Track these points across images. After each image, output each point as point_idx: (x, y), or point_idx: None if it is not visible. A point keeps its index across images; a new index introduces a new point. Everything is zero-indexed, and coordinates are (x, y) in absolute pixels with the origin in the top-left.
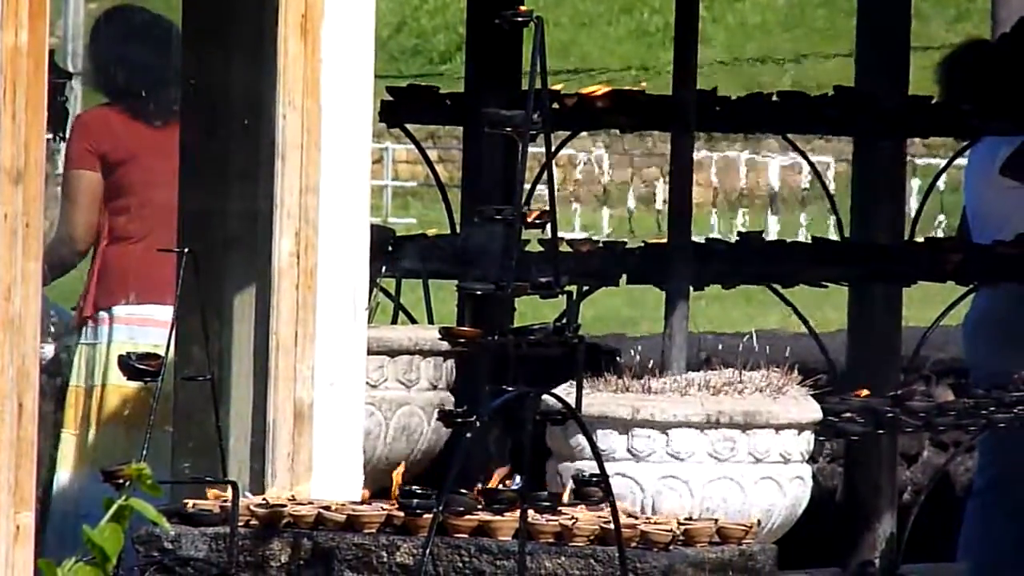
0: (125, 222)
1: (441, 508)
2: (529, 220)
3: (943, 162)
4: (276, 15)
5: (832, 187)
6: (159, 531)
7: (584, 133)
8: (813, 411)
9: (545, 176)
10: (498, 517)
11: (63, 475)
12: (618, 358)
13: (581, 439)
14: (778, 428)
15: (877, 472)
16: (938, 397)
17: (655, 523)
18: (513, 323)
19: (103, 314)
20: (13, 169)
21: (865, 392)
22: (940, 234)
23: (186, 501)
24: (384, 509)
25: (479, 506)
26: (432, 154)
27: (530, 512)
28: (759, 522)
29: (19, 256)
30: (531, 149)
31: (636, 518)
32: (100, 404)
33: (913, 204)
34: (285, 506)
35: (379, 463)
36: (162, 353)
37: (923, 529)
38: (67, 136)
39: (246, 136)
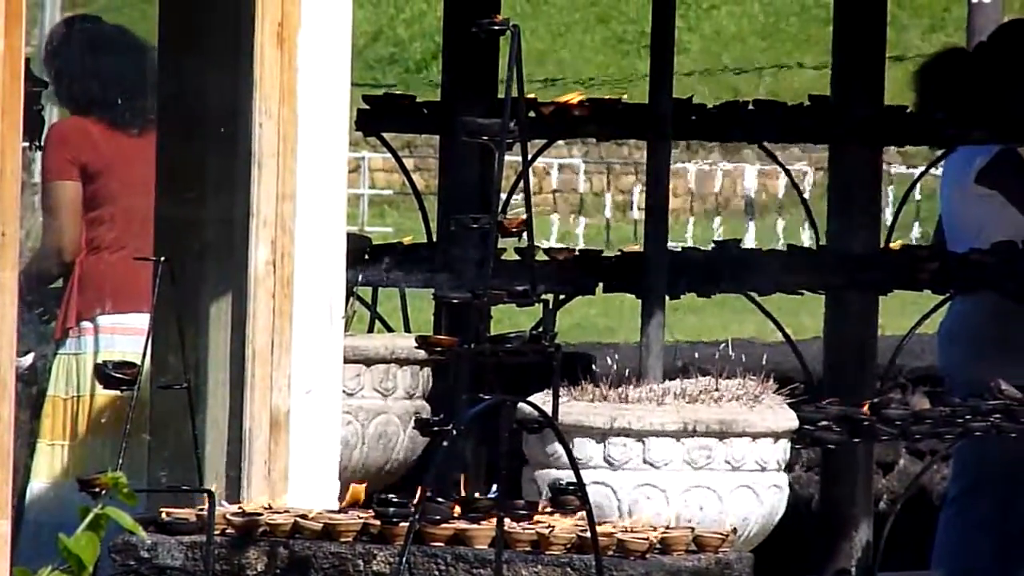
0: (104, 232)
1: (417, 517)
2: (507, 228)
3: (918, 171)
4: (252, 23)
5: (808, 195)
6: (135, 539)
7: (560, 141)
8: (789, 419)
9: (521, 184)
10: (475, 525)
11: (37, 485)
12: (594, 367)
13: (558, 447)
14: (754, 436)
15: (853, 480)
16: (914, 405)
17: (632, 531)
18: (489, 331)
19: (86, 324)
20: None
21: (840, 399)
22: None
23: (162, 510)
24: (360, 518)
25: (455, 515)
26: (408, 163)
27: (507, 520)
28: (735, 530)
29: None
30: (507, 158)
31: (613, 526)
32: (87, 414)
33: (889, 213)
34: (261, 515)
35: (356, 471)
36: (138, 362)
37: (899, 537)
38: (43, 146)
39: (222, 144)
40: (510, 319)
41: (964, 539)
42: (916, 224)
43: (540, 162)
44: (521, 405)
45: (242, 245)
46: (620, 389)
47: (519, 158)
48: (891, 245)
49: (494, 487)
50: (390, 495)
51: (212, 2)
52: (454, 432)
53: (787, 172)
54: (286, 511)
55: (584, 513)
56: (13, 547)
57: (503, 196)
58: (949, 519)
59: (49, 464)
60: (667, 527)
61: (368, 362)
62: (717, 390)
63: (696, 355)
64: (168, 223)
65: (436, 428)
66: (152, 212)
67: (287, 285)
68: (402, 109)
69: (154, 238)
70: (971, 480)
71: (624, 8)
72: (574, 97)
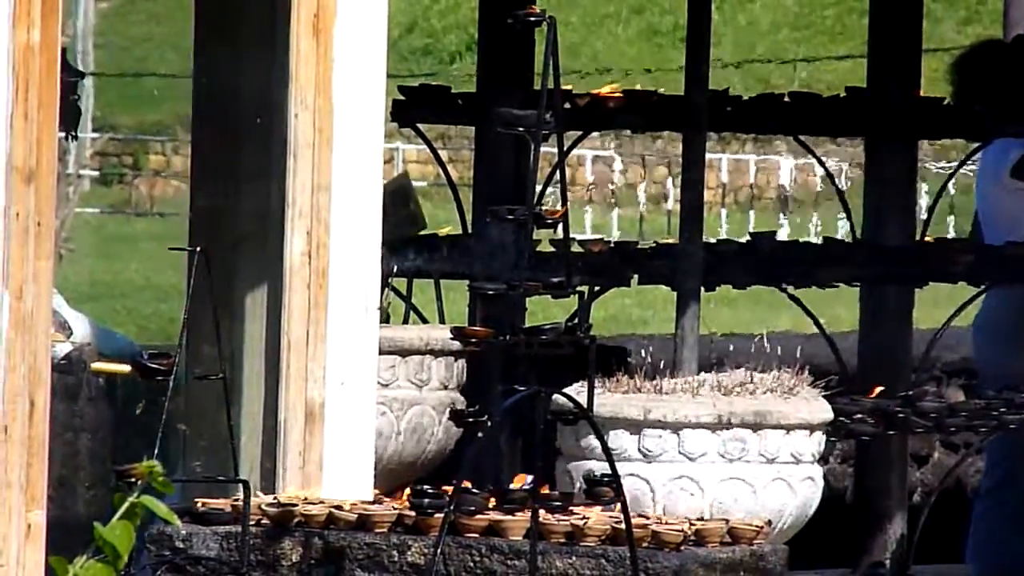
0: None
1: (452, 508)
2: (543, 220)
3: (954, 164)
4: (288, 14)
5: (844, 189)
6: (171, 529)
7: (595, 133)
8: (824, 412)
9: (556, 176)
10: (509, 517)
11: None
12: (629, 358)
13: (592, 439)
14: (789, 429)
15: (888, 473)
16: (949, 398)
17: (666, 523)
18: (524, 323)
19: None
20: (25, 168)
21: (878, 390)
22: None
23: (198, 500)
24: (395, 509)
25: (490, 506)
26: (443, 154)
27: (541, 512)
28: (770, 522)
29: (31, 255)
30: (542, 149)
31: (647, 518)
32: None
33: (924, 206)
34: (296, 505)
35: (390, 463)
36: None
37: (933, 530)
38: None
39: (258, 135)
40: (545, 311)
41: (998, 532)
42: (951, 218)
43: (574, 154)
44: (556, 396)
45: (277, 236)
46: (655, 381)
47: (554, 149)
48: (926, 238)
49: (529, 478)
50: (425, 486)
51: None
52: (489, 423)
53: (823, 165)
54: (321, 502)
55: (619, 505)
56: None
57: (538, 188)
58: (983, 512)
59: None
60: (701, 519)
61: (403, 353)
62: (752, 382)
63: (731, 348)
64: (204, 214)
65: (471, 419)
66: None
67: (322, 276)
68: (437, 100)
69: (190, 227)
70: (1005, 473)
71: (659, 0)
72: (612, 89)
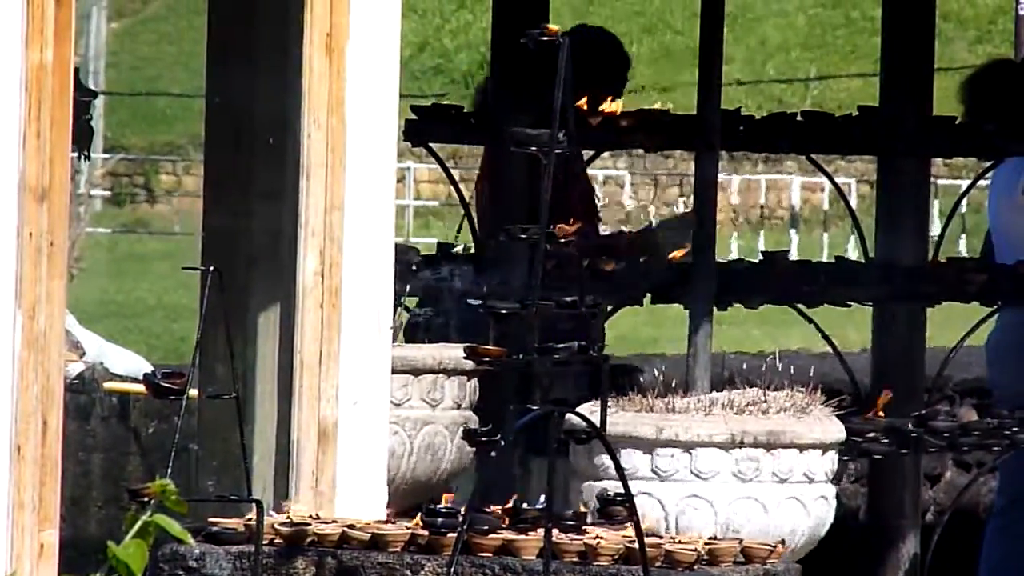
0: None
1: (466, 527)
2: (557, 238)
3: (966, 183)
4: (301, 34)
5: (855, 207)
6: (184, 549)
7: (606, 153)
8: (837, 431)
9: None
10: (522, 536)
11: None
12: (642, 377)
13: (605, 458)
14: (802, 448)
15: (901, 492)
16: (961, 417)
17: (679, 542)
18: (537, 342)
19: None
20: (38, 187)
21: (882, 398)
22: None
23: (210, 519)
24: (408, 528)
25: (503, 525)
26: (454, 174)
27: (554, 531)
28: (783, 542)
29: (44, 275)
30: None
31: (660, 537)
32: None
33: (936, 225)
34: (309, 524)
35: (403, 482)
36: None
37: (947, 549)
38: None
39: (271, 154)
40: None
41: (1011, 551)
42: (963, 237)
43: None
44: (569, 416)
45: (290, 255)
46: (667, 400)
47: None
48: (939, 257)
49: (542, 497)
50: (438, 505)
51: (260, 13)
52: (502, 443)
53: (834, 183)
54: (334, 521)
55: (632, 524)
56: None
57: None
58: (995, 531)
59: None
60: (714, 538)
61: (416, 372)
62: (765, 401)
63: (743, 366)
64: (216, 233)
65: (484, 439)
66: None
67: (335, 295)
68: (450, 119)
69: (202, 247)
70: (1018, 492)
71: (670, 19)
72: (616, 107)
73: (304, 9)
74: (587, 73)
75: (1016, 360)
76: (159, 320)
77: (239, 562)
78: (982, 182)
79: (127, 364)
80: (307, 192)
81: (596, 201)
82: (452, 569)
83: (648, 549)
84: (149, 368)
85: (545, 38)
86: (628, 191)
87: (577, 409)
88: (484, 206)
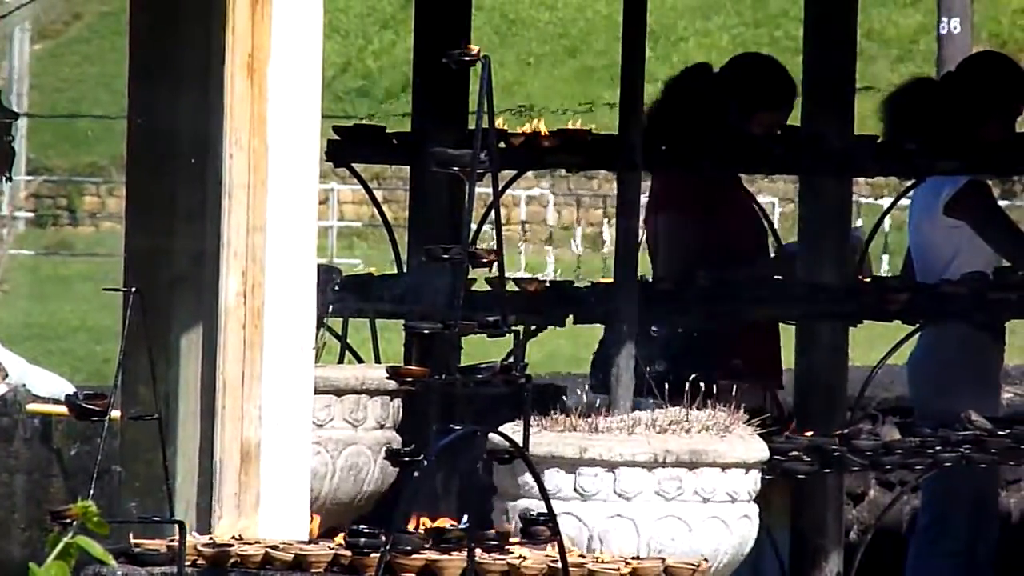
0: None
1: (389, 547)
2: (477, 259)
3: (887, 202)
4: (223, 54)
5: (777, 227)
6: (106, 570)
7: (529, 172)
8: (760, 450)
9: (492, 216)
10: (446, 556)
11: None
12: (565, 397)
13: (528, 478)
14: (725, 467)
15: (823, 511)
16: (884, 436)
17: (602, 562)
18: (460, 362)
19: None
20: None
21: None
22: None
23: (133, 540)
24: (331, 548)
25: (427, 545)
26: (377, 195)
27: (478, 551)
28: (706, 560)
29: None
30: (477, 189)
31: (584, 557)
32: None
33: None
34: (232, 545)
35: (326, 502)
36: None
37: (869, 568)
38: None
39: (193, 175)
40: (481, 350)
41: (933, 570)
42: (885, 256)
43: (508, 193)
44: (491, 435)
45: (213, 276)
46: (590, 419)
47: (488, 189)
48: (861, 277)
49: (465, 518)
50: (361, 526)
51: (182, 33)
52: (425, 463)
53: (756, 203)
54: (257, 542)
55: (555, 544)
56: None
57: (473, 227)
58: (919, 549)
59: None
60: (638, 558)
61: (339, 393)
62: (687, 420)
63: (665, 386)
64: (138, 255)
65: (407, 459)
66: None
67: (258, 316)
68: (372, 140)
69: (125, 268)
70: (940, 511)
71: (593, 41)
72: (538, 125)
73: (225, 30)
74: (755, 97)
75: (937, 379)
76: (82, 342)
77: None
78: (903, 201)
79: (49, 386)
80: (229, 213)
81: (762, 220)
82: None
83: (571, 568)
84: (72, 389)
85: (466, 58)
86: (551, 211)
87: (500, 429)
88: (654, 242)
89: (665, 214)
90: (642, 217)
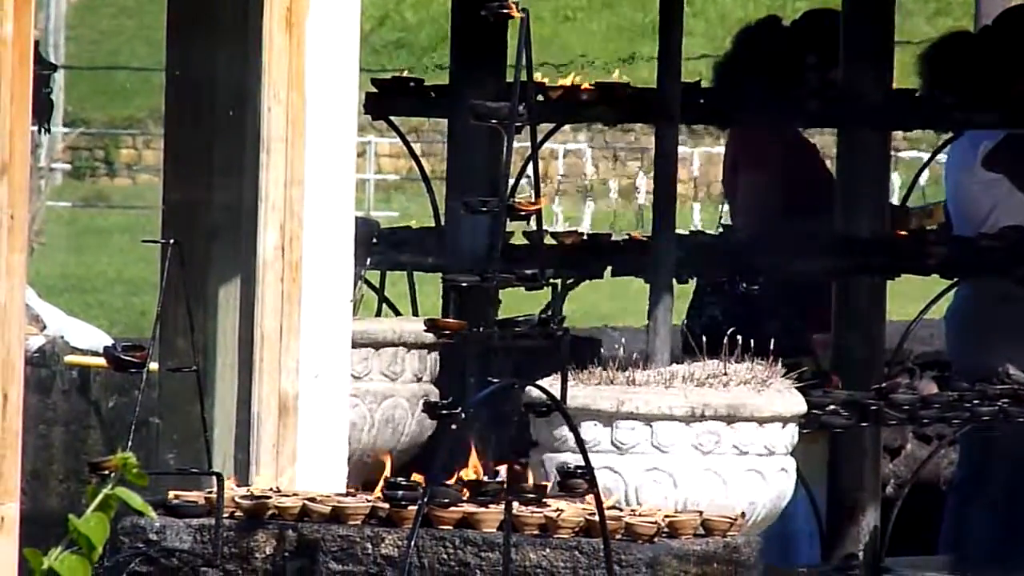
0: None
1: (426, 500)
2: (516, 212)
3: (926, 155)
4: (261, 8)
5: None
6: (144, 522)
7: (567, 126)
8: (797, 404)
9: (529, 168)
10: (483, 509)
11: None
12: (602, 350)
13: (565, 431)
14: (762, 421)
15: (861, 465)
16: (922, 390)
17: (640, 515)
18: (497, 315)
19: None
20: None
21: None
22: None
23: (171, 492)
24: (369, 501)
25: (464, 498)
26: (415, 148)
27: (515, 504)
28: (743, 514)
29: (3, 249)
30: (515, 142)
31: (621, 510)
32: None
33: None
34: (270, 498)
35: (363, 455)
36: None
37: (907, 522)
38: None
39: (231, 129)
40: (518, 303)
41: (970, 524)
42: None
43: (547, 147)
44: (529, 389)
45: (251, 229)
46: (627, 373)
47: (527, 142)
48: (898, 230)
49: (502, 470)
50: (398, 478)
51: None
52: (462, 415)
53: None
54: (294, 494)
55: (592, 497)
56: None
57: (511, 180)
58: (955, 504)
59: None
60: (675, 511)
61: (376, 346)
62: (725, 374)
63: (703, 339)
64: (176, 207)
65: (444, 411)
66: None
67: (295, 269)
68: (410, 92)
69: (163, 221)
70: (977, 465)
71: None
72: (574, 78)
73: None
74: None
75: (973, 332)
76: (120, 294)
77: (200, 535)
78: (940, 156)
79: (88, 338)
80: (267, 166)
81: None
82: (412, 542)
83: (608, 522)
84: (110, 341)
85: (504, 11)
86: (589, 164)
87: (538, 382)
88: (763, 197)
89: (746, 173)
90: (720, 174)
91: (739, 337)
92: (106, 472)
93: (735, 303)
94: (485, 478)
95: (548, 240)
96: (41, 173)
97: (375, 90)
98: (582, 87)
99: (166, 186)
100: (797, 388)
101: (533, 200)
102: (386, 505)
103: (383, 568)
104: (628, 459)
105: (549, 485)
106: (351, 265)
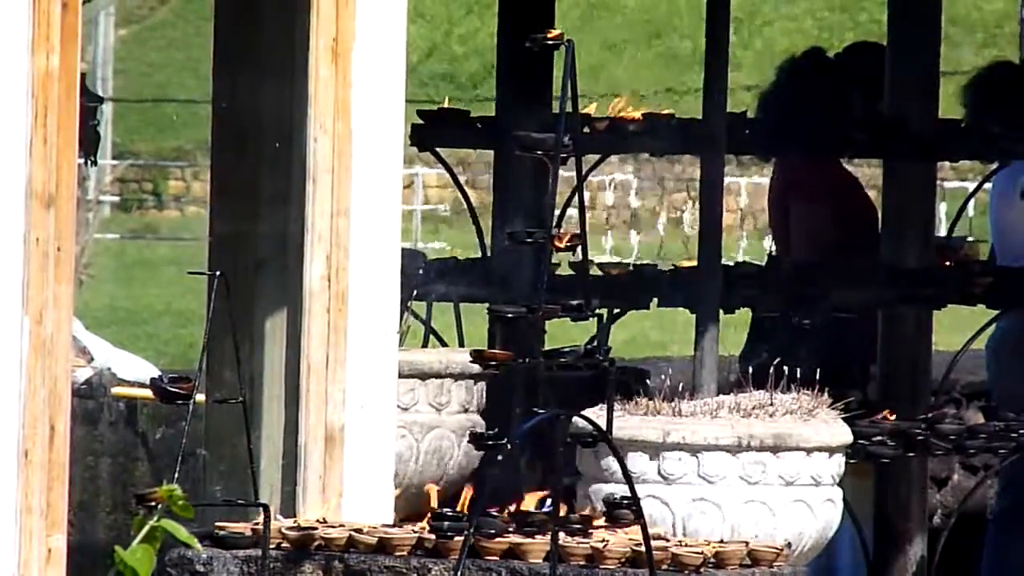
0: None
1: (472, 531)
2: (560, 244)
3: (972, 185)
4: (307, 39)
5: None
6: (191, 553)
7: (613, 158)
8: (844, 434)
9: (576, 200)
10: (529, 540)
11: None
12: (648, 381)
13: (612, 462)
14: (808, 451)
15: (907, 495)
16: (968, 420)
17: (686, 545)
18: (544, 346)
19: None
20: (44, 193)
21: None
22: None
23: (218, 524)
24: (415, 532)
25: (510, 528)
26: (462, 179)
27: (561, 534)
28: (790, 545)
29: (51, 280)
30: (561, 172)
31: (667, 540)
32: None
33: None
34: (316, 529)
35: (410, 486)
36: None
37: (953, 552)
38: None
39: (277, 159)
40: (564, 334)
41: (1009, 553)
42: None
43: (593, 178)
44: (575, 419)
45: (297, 260)
46: (674, 403)
47: (572, 173)
48: (945, 261)
49: (548, 501)
50: (445, 509)
51: (267, 18)
52: (508, 447)
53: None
54: (341, 525)
55: (639, 527)
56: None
57: (557, 211)
58: (996, 534)
59: None
60: (721, 541)
61: (423, 376)
62: (771, 404)
63: (750, 370)
64: (223, 239)
65: (491, 442)
66: None
67: (342, 300)
68: (456, 124)
69: (209, 252)
70: (1016, 496)
71: (677, 24)
72: (620, 104)
73: (310, 14)
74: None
75: (1016, 362)
76: (167, 326)
77: (246, 566)
78: (988, 185)
79: (135, 369)
80: (313, 197)
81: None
82: (459, 573)
83: (655, 552)
84: (156, 373)
85: (549, 42)
86: (635, 195)
87: (584, 413)
88: (816, 229)
89: (798, 203)
90: (766, 203)
91: (797, 370)
92: (153, 504)
93: (792, 336)
94: (532, 508)
95: (594, 271)
96: (89, 205)
97: (421, 121)
98: (628, 118)
99: (213, 217)
100: (843, 418)
101: (578, 232)
102: (432, 536)
103: None
104: (675, 489)
105: (595, 516)
106: (398, 296)
